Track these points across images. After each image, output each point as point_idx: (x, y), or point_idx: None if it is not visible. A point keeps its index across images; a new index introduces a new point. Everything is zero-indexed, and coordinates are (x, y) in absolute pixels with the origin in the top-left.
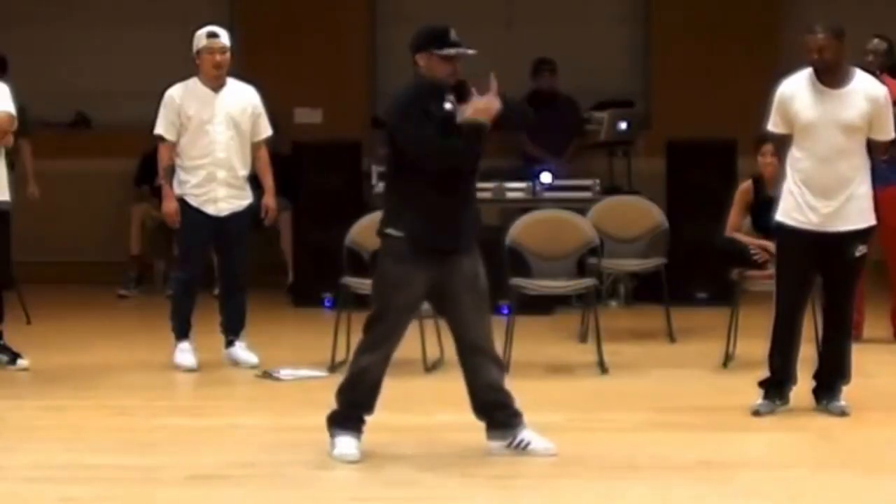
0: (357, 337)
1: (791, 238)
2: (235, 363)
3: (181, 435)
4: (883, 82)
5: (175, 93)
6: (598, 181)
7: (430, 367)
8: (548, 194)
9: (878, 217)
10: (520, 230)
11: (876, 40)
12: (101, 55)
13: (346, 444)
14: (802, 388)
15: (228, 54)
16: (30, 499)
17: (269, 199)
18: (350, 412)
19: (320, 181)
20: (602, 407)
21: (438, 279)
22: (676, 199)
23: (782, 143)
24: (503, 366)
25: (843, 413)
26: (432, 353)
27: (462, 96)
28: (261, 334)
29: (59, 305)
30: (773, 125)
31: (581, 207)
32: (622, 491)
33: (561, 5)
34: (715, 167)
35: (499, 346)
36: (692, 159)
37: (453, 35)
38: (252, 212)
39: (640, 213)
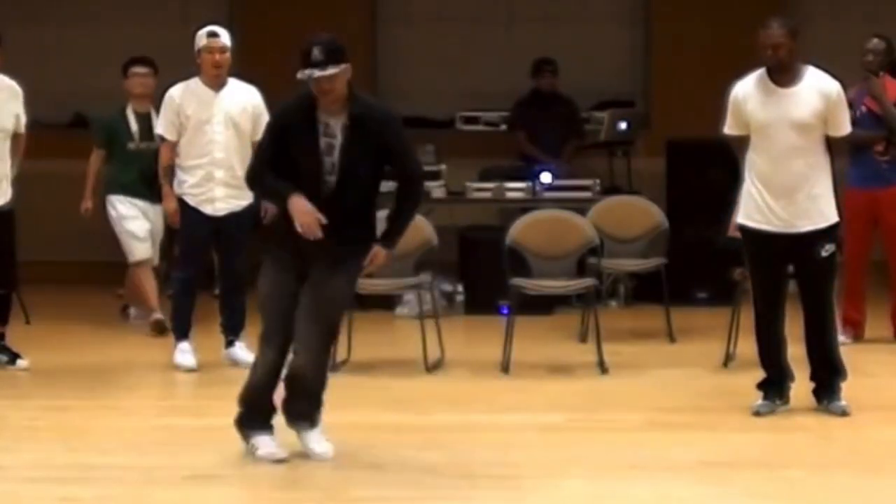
0: (358, 336)
1: (755, 239)
2: (235, 363)
3: (181, 435)
4: (883, 82)
5: (175, 93)
6: (598, 181)
7: (431, 367)
8: (548, 194)
9: (880, 217)
10: (520, 230)
11: (876, 40)
12: (101, 55)
13: (265, 443)
14: (802, 388)
15: (228, 54)
16: (30, 499)
17: None
18: (249, 413)
19: None
20: (602, 407)
21: (305, 273)
22: (676, 199)
23: (739, 146)
24: (320, 377)
25: (843, 413)
26: (432, 353)
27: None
28: None
29: (59, 305)
30: (728, 128)
31: (581, 207)
32: (622, 491)
33: (561, 5)
34: (715, 167)
35: (499, 346)
36: (692, 159)
37: (315, 55)
38: (252, 212)
39: (640, 213)
